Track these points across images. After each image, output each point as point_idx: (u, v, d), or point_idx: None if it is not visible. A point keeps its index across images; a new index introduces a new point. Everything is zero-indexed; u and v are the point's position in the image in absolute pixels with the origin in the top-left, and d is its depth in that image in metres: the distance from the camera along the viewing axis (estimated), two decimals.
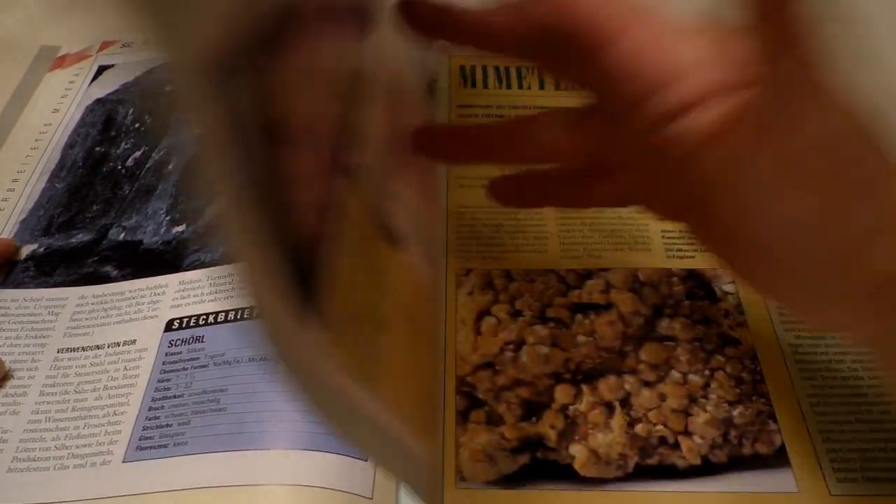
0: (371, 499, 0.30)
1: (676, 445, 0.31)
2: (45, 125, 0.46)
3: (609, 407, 0.33)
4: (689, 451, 0.31)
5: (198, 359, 0.34)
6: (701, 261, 0.37)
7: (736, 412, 0.32)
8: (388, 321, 0.25)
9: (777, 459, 0.31)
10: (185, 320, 0.36)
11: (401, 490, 0.31)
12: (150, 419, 0.32)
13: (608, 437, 0.32)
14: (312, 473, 0.30)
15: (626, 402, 0.33)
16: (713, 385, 0.33)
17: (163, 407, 0.33)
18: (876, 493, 0.30)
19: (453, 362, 0.34)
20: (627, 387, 0.33)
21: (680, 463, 0.31)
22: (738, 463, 0.31)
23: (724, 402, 0.33)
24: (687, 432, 0.32)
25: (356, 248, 0.23)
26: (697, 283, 0.36)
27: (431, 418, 0.31)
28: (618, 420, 0.32)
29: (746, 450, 0.31)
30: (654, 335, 0.35)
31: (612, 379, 0.33)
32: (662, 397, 0.33)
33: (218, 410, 0.32)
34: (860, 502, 0.30)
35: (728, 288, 0.36)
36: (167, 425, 0.32)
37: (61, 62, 0.51)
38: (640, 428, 0.32)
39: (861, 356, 0.34)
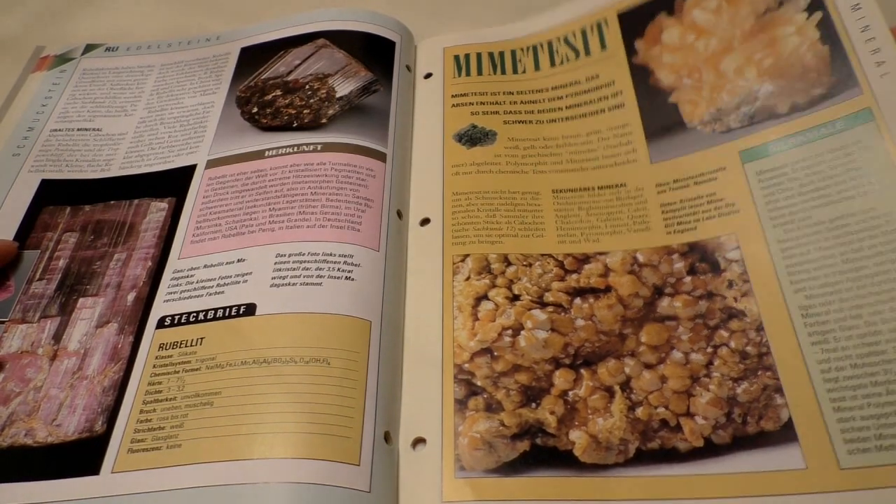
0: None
1: (678, 428, 0.31)
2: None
3: (609, 391, 0.32)
4: (692, 433, 0.31)
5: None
6: (702, 231, 0.36)
7: (740, 389, 0.32)
8: None
9: (784, 435, 0.30)
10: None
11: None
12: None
13: (609, 423, 0.32)
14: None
15: (626, 386, 0.33)
16: (716, 362, 0.32)
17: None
18: (890, 463, 0.28)
19: (451, 351, 0.35)
20: (627, 370, 0.33)
21: (682, 446, 0.31)
22: (743, 442, 0.30)
23: (728, 379, 0.32)
24: (689, 413, 0.31)
25: None
26: (700, 257, 0.35)
27: None
28: (618, 404, 0.32)
29: (751, 428, 0.31)
30: (654, 316, 0.34)
31: (611, 362, 0.33)
32: (664, 379, 0.32)
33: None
34: (872, 474, 0.28)
35: (732, 255, 0.35)
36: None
37: (42, 63, 0.50)
38: (640, 411, 0.32)
39: (879, 308, 0.32)
